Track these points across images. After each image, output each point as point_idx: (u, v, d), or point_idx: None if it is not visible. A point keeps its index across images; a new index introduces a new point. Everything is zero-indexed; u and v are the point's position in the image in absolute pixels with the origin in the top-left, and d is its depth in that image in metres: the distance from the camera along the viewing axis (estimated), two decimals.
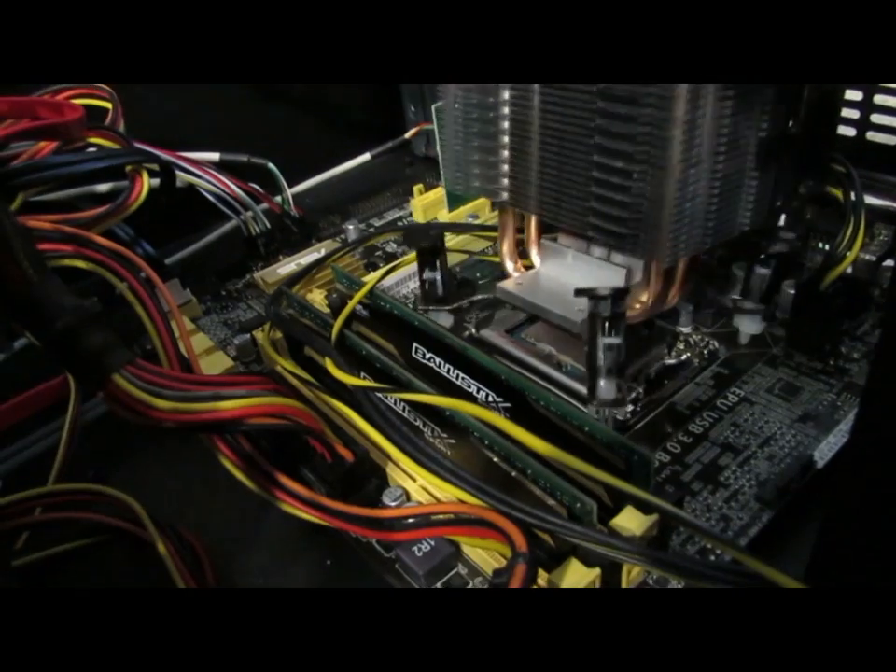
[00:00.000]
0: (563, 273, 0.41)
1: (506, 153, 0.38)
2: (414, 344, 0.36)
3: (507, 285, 0.41)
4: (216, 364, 0.42)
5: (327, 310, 0.40)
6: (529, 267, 0.43)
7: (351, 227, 0.57)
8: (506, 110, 0.37)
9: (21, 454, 0.39)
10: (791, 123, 0.35)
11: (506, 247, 0.43)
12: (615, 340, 0.33)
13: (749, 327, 0.41)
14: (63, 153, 0.42)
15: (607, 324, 0.33)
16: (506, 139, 0.38)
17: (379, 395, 0.32)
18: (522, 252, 0.43)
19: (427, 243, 0.42)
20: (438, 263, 0.43)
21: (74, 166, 0.40)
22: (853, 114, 0.47)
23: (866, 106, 0.46)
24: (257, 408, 0.29)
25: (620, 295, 0.33)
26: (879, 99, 0.45)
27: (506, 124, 0.37)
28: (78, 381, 0.35)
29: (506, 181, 0.39)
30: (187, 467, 0.36)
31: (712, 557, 0.30)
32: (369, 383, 0.33)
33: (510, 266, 0.44)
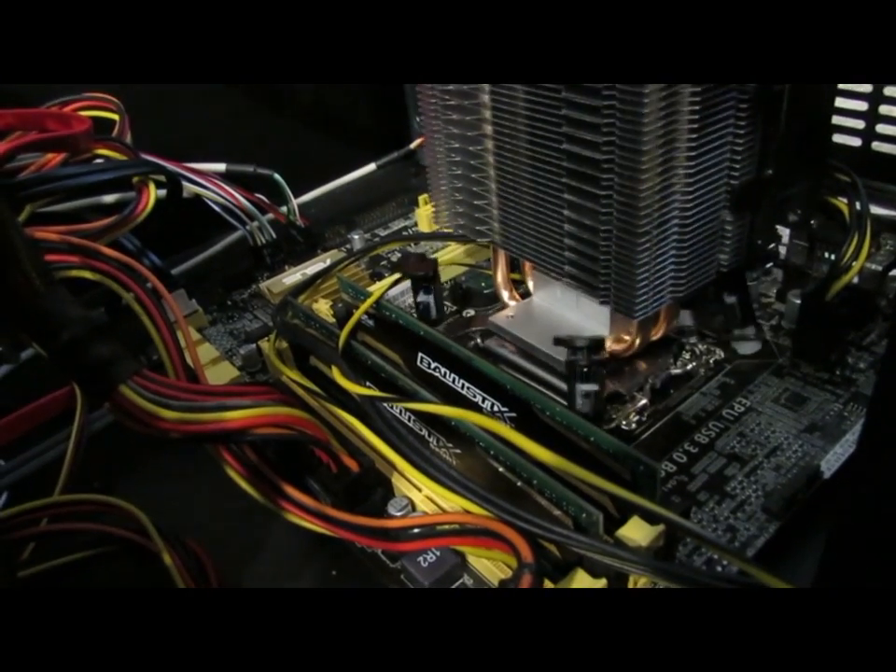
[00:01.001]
0: (555, 304, 0.42)
1: (492, 197, 0.39)
2: (420, 354, 0.36)
3: (498, 319, 0.42)
4: (221, 374, 0.42)
5: (332, 320, 0.40)
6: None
7: (356, 237, 0.57)
8: (491, 158, 0.38)
9: (27, 464, 0.39)
10: (764, 166, 0.34)
11: (499, 278, 0.45)
12: (592, 386, 0.34)
13: (744, 348, 0.41)
14: (71, 165, 0.43)
15: (585, 370, 0.34)
16: (492, 185, 0.39)
17: (385, 404, 0.32)
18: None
19: (421, 271, 0.43)
20: (432, 287, 0.44)
21: (81, 178, 0.40)
22: (858, 124, 0.47)
23: (872, 117, 0.46)
24: (262, 418, 0.29)
25: (596, 346, 0.34)
26: (885, 109, 0.46)
27: (490, 169, 0.38)
28: (85, 391, 0.35)
29: (492, 223, 0.40)
30: (192, 477, 0.36)
31: (719, 568, 0.29)
32: (375, 392, 0.33)
33: (504, 295, 0.45)
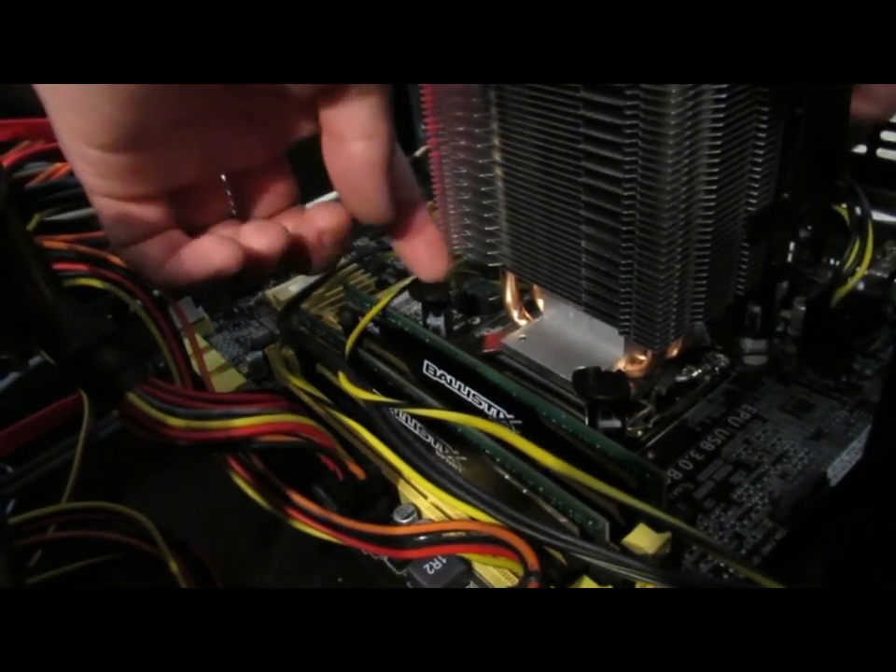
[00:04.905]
0: (566, 323, 0.42)
1: (503, 223, 0.39)
2: (425, 361, 0.36)
3: (510, 341, 0.42)
4: (228, 381, 0.42)
5: (338, 327, 0.40)
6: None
7: (361, 244, 0.57)
8: (500, 184, 0.38)
9: (35, 471, 0.39)
10: (781, 190, 0.34)
11: (509, 298, 0.44)
12: (615, 423, 0.34)
13: (752, 360, 0.41)
14: None
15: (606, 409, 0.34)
16: (501, 209, 0.38)
17: (391, 410, 0.32)
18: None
19: (433, 297, 0.43)
20: (442, 311, 0.44)
21: None
22: None
23: (877, 124, 0.46)
24: (269, 426, 0.29)
25: (618, 399, 0.33)
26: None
27: (500, 195, 0.38)
28: (93, 399, 0.36)
29: (502, 248, 0.40)
30: (199, 485, 0.36)
31: (725, 576, 0.29)
32: (381, 398, 0.33)
33: (514, 314, 0.45)
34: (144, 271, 0.31)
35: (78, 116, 0.26)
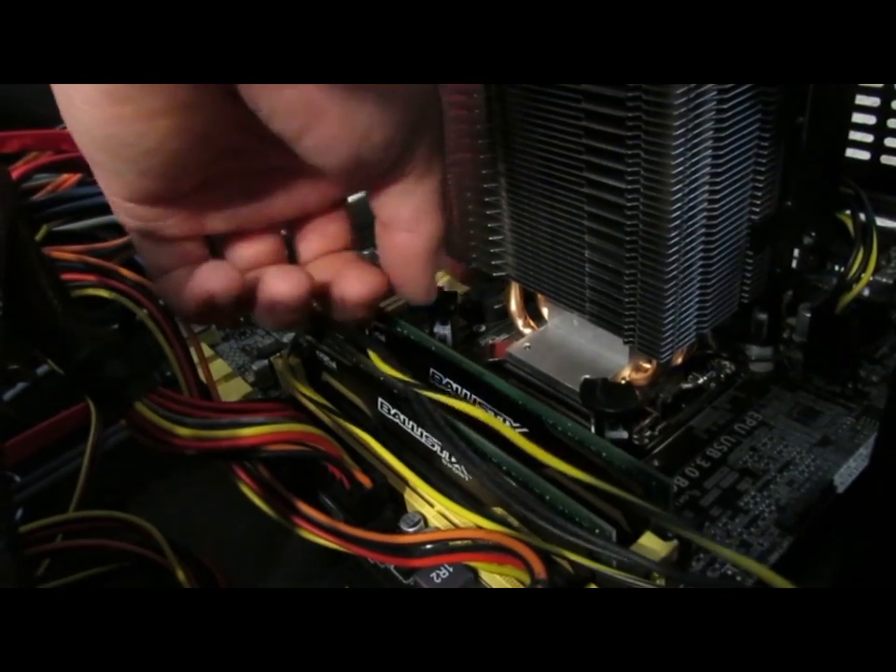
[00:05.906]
0: (571, 332, 0.42)
1: (504, 232, 0.39)
2: (431, 370, 0.36)
3: (515, 350, 0.42)
4: (234, 390, 0.42)
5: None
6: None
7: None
8: (504, 194, 0.38)
9: (42, 480, 0.39)
10: (785, 198, 0.34)
11: (513, 306, 0.44)
12: (622, 434, 0.34)
13: (758, 367, 0.41)
14: (86, 185, 0.43)
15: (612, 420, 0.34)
16: (505, 219, 0.39)
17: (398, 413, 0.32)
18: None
19: (439, 304, 0.43)
20: (448, 320, 0.44)
21: (96, 197, 0.41)
22: (867, 138, 0.47)
23: (880, 130, 0.46)
24: (275, 435, 0.29)
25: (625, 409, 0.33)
26: (894, 123, 0.46)
27: (504, 205, 0.38)
28: (101, 409, 0.36)
29: (506, 258, 0.40)
30: (206, 493, 0.36)
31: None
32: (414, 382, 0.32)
33: (518, 323, 0.45)
34: (166, 301, 0.32)
35: (107, 173, 0.27)
